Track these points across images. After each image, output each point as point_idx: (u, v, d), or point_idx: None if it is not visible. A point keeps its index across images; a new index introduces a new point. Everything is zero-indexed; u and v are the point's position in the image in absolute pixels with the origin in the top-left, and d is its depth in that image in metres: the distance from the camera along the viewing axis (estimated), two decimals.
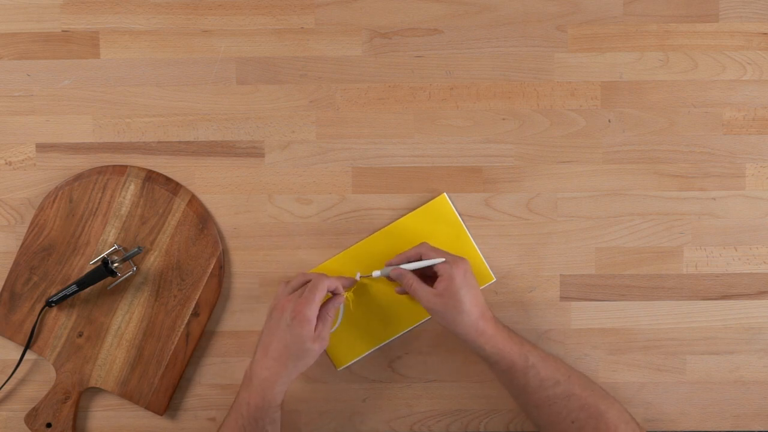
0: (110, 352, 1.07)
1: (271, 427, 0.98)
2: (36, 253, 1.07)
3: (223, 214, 1.08)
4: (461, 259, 0.99)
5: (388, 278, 1.02)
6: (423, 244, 1.02)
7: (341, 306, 1.04)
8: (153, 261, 1.07)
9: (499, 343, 0.97)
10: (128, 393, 1.07)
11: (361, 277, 1.04)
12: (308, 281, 1.00)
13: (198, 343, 1.08)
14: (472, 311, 0.97)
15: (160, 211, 1.07)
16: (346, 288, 1.03)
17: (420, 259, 1.01)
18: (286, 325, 0.96)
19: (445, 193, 1.07)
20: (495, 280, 1.08)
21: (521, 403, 1.01)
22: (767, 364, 1.09)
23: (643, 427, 1.04)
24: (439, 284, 0.97)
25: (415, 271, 1.00)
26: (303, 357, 0.97)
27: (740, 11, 1.07)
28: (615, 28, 1.07)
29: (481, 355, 0.99)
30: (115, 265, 1.04)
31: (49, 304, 1.05)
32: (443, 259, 0.98)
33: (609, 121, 1.08)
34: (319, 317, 0.98)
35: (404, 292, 1.02)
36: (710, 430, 1.09)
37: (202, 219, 1.07)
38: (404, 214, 1.08)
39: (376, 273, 1.02)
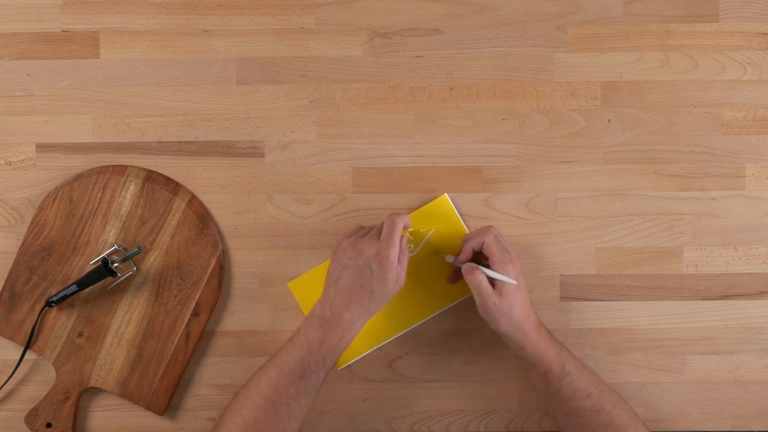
0: (110, 352, 1.07)
1: (330, 368, 0.98)
2: (36, 253, 1.07)
3: (223, 214, 1.08)
4: (516, 258, 0.99)
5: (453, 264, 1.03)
6: (490, 229, 1.00)
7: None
8: (153, 261, 1.07)
9: (540, 345, 0.98)
10: (128, 393, 1.07)
11: (438, 254, 1.06)
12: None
13: (198, 343, 1.08)
14: (520, 313, 0.97)
15: (160, 211, 1.07)
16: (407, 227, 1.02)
17: (481, 249, 0.99)
18: (370, 269, 0.96)
19: (446, 194, 1.07)
20: None
21: (551, 407, 1.01)
22: (767, 364, 1.09)
23: None
24: (497, 284, 0.98)
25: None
26: (384, 299, 0.97)
27: (740, 11, 1.07)
28: (615, 28, 1.07)
29: (520, 356, 0.99)
30: (115, 265, 1.04)
31: (49, 304, 1.05)
32: (514, 282, 0.97)
33: (609, 121, 1.08)
34: (399, 259, 0.98)
35: (455, 281, 1.04)
36: (710, 430, 1.09)
37: (202, 219, 1.07)
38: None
39: (450, 258, 1.02)
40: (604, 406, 0.98)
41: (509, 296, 0.97)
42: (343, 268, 0.97)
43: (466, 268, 0.99)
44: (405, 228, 1.00)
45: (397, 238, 0.97)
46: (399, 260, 0.97)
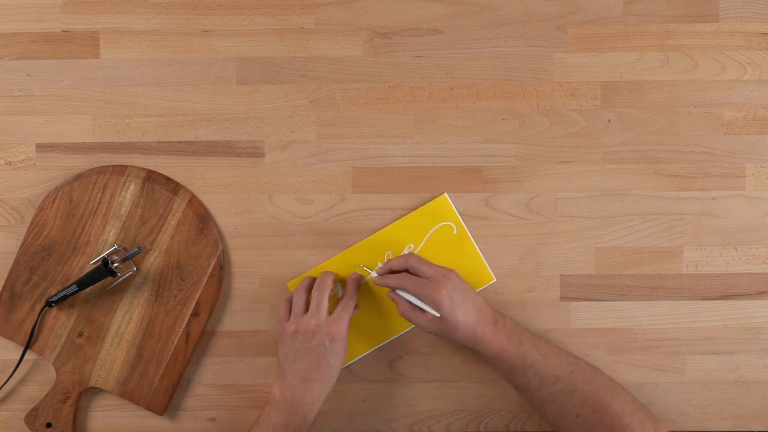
0: (110, 352, 1.07)
1: None
2: (36, 253, 1.07)
3: (223, 214, 1.08)
4: (446, 275, 0.99)
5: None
6: (410, 255, 1.02)
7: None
8: (153, 261, 1.07)
9: (495, 346, 0.98)
10: (128, 393, 1.07)
11: (362, 266, 1.06)
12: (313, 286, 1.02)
13: (198, 343, 1.08)
14: (467, 325, 0.98)
15: (160, 211, 1.07)
16: (358, 286, 1.05)
17: (407, 271, 1.01)
18: (323, 347, 0.98)
19: (446, 193, 1.07)
20: (495, 280, 1.08)
21: (527, 400, 1.02)
22: (767, 364, 1.09)
23: (653, 413, 1.03)
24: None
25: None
26: (337, 372, 1.00)
27: (740, 11, 1.07)
28: (615, 28, 1.07)
29: (481, 358, 1.01)
30: (115, 265, 1.04)
31: (49, 304, 1.05)
32: (437, 314, 0.98)
33: (609, 121, 1.08)
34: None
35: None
36: (710, 430, 1.09)
37: (202, 219, 1.07)
38: (404, 214, 1.08)
39: (374, 274, 1.03)
40: (576, 385, 0.98)
41: (448, 318, 0.97)
42: (296, 351, 0.99)
43: (389, 296, 1.01)
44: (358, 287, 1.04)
45: (347, 315, 1.00)
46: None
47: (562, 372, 0.98)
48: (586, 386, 0.98)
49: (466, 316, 0.98)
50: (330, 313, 1.00)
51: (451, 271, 1.00)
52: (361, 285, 1.07)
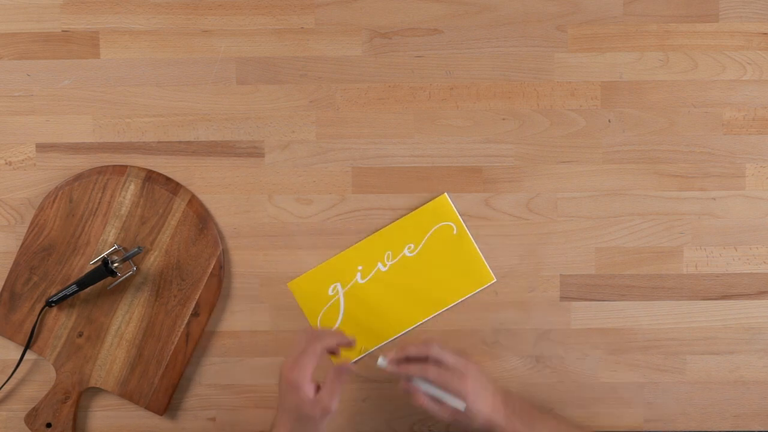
0: (110, 352, 1.07)
1: None
2: (36, 253, 1.07)
3: (223, 214, 1.08)
4: (467, 368, 0.95)
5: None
6: (432, 344, 0.96)
7: (341, 305, 1.05)
8: (153, 261, 1.07)
9: (509, 430, 0.96)
10: (128, 393, 1.07)
11: (364, 349, 1.05)
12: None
13: (198, 343, 1.08)
14: (484, 414, 0.95)
15: (160, 211, 1.07)
16: (349, 346, 0.98)
17: (427, 357, 0.95)
18: (284, 392, 0.93)
19: (446, 193, 1.07)
20: (495, 280, 1.08)
21: None
22: (767, 364, 1.09)
23: None
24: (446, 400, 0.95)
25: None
26: (307, 423, 0.93)
27: (740, 11, 1.07)
28: (615, 28, 1.07)
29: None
30: (115, 265, 1.04)
31: (49, 304, 1.05)
32: (463, 406, 0.94)
33: (609, 121, 1.08)
34: (326, 384, 0.92)
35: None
36: (710, 430, 1.09)
37: (202, 219, 1.07)
38: (404, 214, 1.08)
39: (381, 362, 0.96)
40: None
41: (471, 408, 0.94)
42: (283, 411, 0.94)
43: (407, 387, 0.95)
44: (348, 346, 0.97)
45: (305, 359, 0.91)
46: (328, 387, 0.92)
47: None
48: None
49: (484, 404, 0.95)
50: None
51: (470, 361, 0.97)
52: (360, 284, 1.07)
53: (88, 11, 1.07)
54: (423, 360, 0.96)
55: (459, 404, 0.94)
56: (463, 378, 0.94)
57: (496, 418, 0.96)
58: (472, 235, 1.08)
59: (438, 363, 0.95)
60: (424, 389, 0.95)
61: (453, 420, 0.96)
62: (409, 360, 0.96)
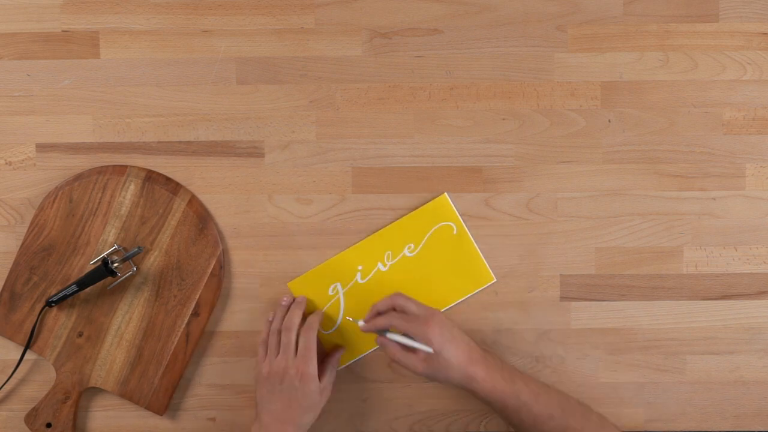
0: (110, 352, 1.07)
1: None
2: (36, 253, 1.07)
3: (223, 214, 1.08)
4: (432, 314, 0.99)
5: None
6: (396, 295, 1.01)
7: (341, 305, 1.05)
8: (153, 261, 1.07)
9: (488, 384, 0.97)
10: (128, 393, 1.07)
11: (348, 318, 1.07)
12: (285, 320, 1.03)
13: (198, 343, 1.08)
14: (459, 362, 0.97)
15: (160, 211, 1.07)
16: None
17: (394, 309, 1.01)
18: (293, 388, 0.98)
19: (446, 193, 1.07)
20: (495, 280, 1.08)
21: None
22: (767, 364, 1.09)
23: None
24: (419, 350, 0.98)
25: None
26: (315, 410, 1.00)
27: (740, 11, 1.07)
28: (615, 28, 1.07)
29: (476, 397, 0.99)
30: (115, 265, 1.04)
31: (49, 304, 1.05)
32: (430, 349, 0.97)
33: (609, 121, 1.08)
34: (323, 369, 1.03)
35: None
36: (710, 430, 1.09)
37: (202, 219, 1.07)
38: (404, 214, 1.08)
39: (361, 323, 1.02)
40: (569, 423, 0.98)
41: (439, 357, 0.96)
42: (270, 392, 1.00)
43: (378, 341, 1.00)
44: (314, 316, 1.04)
45: (312, 352, 1.00)
46: (326, 371, 1.03)
47: (554, 410, 0.98)
48: (578, 424, 0.98)
49: (457, 351, 0.97)
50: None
51: (436, 310, 1.01)
52: (360, 284, 1.07)
53: (88, 11, 1.07)
54: (390, 311, 1.01)
55: (426, 348, 0.96)
56: (426, 322, 0.97)
57: (473, 370, 0.97)
58: (472, 235, 1.08)
59: (403, 312, 1.00)
60: (395, 340, 0.98)
61: (430, 372, 0.97)
62: (379, 314, 1.01)
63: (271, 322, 1.04)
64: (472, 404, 1.09)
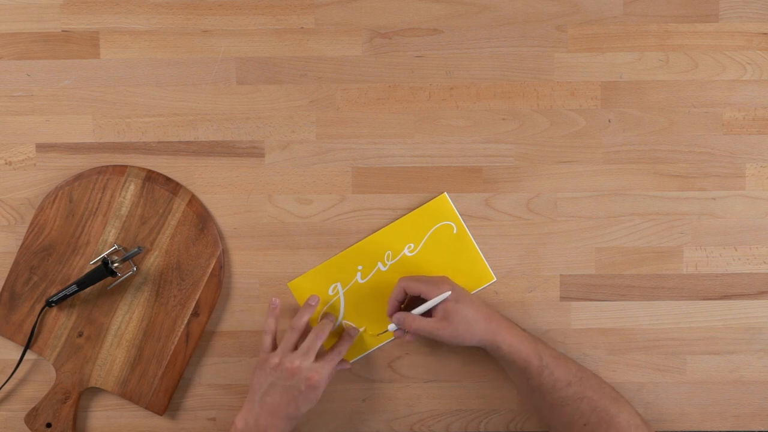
0: (110, 352, 1.07)
1: None
2: (36, 253, 1.07)
3: (223, 214, 1.08)
4: (441, 279, 1.02)
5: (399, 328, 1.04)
6: (401, 279, 1.03)
7: (341, 305, 1.06)
8: (153, 261, 1.07)
9: (513, 341, 0.98)
10: (128, 393, 1.07)
11: (379, 334, 1.08)
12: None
13: (198, 343, 1.08)
14: (479, 318, 0.98)
15: (160, 211, 1.07)
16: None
17: (406, 294, 1.03)
18: (298, 390, 0.98)
19: (446, 193, 1.07)
20: (495, 280, 1.08)
21: (535, 403, 1.01)
22: (767, 364, 1.09)
23: (653, 427, 1.03)
24: (437, 312, 1.00)
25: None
26: (302, 415, 1.00)
27: (740, 11, 1.07)
28: (615, 28, 1.07)
29: (497, 356, 1.00)
30: (115, 265, 1.04)
31: (49, 304, 1.05)
32: (448, 292, 0.99)
33: (609, 121, 1.08)
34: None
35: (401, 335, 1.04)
36: (710, 430, 1.09)
37: (202, 219, 1.07)
38: (404, 214, 1.08)
39: (391, 327, 1.03)
40: (586, 393, 0.98)
41: (455, 314, 0.98)
42: (271, 385, 0.99)
43: (397, 320, 1.01)
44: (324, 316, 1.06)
45: (332, 367, 1.01)
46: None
47: (572, 377, 0.99)
48: (595, 395, 0.98)
49: (473, 307, 0.99)
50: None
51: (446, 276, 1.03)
52: (360, 284, 1.07)
53: (88, 11, 1.07)
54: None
55: (444, 295, 0.99)
56: (439, 283, 1.01)
57: (498, 326, 0.98)
58: (472, 235, 1.08)
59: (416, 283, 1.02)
60: (412, 313, 1.01)
61: (452, 334, 0.98)
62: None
63: (289, 319, 1.05)
64: (472, 404, 1.09)
